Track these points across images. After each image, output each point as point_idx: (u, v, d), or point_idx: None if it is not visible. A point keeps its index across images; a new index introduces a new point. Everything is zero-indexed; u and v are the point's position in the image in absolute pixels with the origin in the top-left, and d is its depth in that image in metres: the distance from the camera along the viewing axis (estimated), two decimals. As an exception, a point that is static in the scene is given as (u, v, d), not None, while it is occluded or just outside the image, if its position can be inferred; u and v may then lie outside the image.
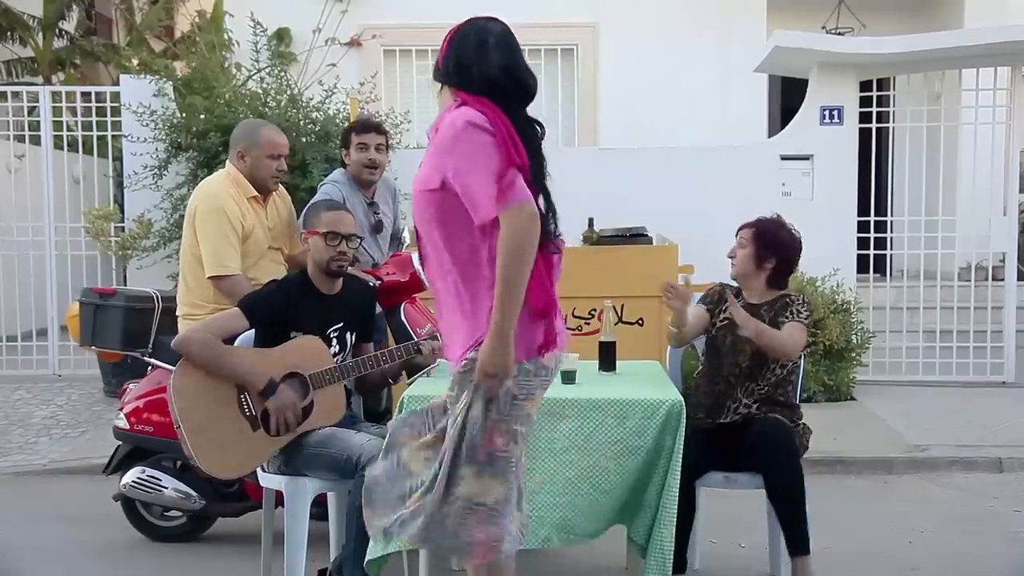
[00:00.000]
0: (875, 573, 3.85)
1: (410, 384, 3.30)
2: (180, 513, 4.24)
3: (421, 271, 3.87)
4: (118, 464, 4.24)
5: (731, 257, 3.74)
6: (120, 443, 4.24)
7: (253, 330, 3.46)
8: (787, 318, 3.59)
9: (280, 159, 4.10)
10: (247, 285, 3.80)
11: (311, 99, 7.17)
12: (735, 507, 4.19)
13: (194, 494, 4.06)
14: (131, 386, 4.31)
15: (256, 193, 4.07)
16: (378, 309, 3.90)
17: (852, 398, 6.62)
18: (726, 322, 3.67)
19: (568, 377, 3.26)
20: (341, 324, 3.54)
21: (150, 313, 5.06)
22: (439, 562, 3.25)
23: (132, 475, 4.11)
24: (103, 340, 5.06)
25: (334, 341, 3.51)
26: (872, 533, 4.38)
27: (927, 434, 5.78)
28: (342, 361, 3.49)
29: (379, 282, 3.93)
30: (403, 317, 3.93)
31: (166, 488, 4.06)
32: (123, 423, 4.16)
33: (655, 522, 2.96)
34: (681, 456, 3.01)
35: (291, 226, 4.25)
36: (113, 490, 4.21)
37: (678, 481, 3.00)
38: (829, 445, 5.43)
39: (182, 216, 6.82)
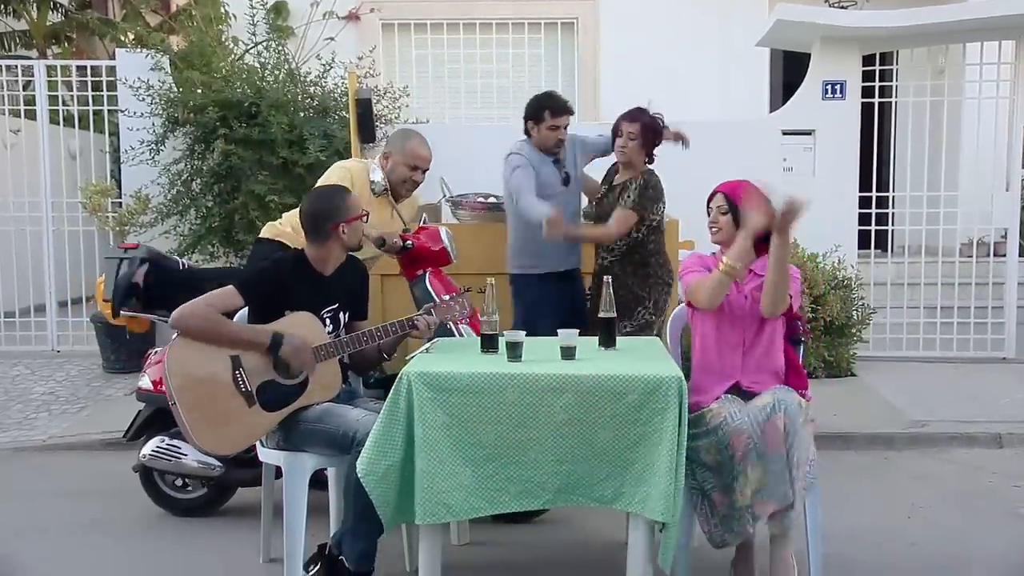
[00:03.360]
0: (874, 548, 3.86)
1: (409, 360, 3.28)
2: (200, 484, 4.25)
3: (450, 245, 4.13)
4: (139, 429, 4.24)
5: (623, 148, 4.50)
6: (142, 407, 4.26)
7: (246, 310, 3.45)
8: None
9: (417, 171, 4.34)
10: None
11: (309, 74, 7.12)
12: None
13: (214, 462, 4.07)
14: (155, 351, 4.35)
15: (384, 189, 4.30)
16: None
17: (852, 374, 6.61)
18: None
19: (567, 353, 3.24)
20: (336, 305, 3.53)
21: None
22: (439, 538, 3.25)
23: (152, 444, 4.13)
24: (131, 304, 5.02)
25: (328, 321, 3.49)
26: (871, 508, 4.38)
27: (927, 410, 5.78)
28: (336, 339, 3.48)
29: (411, 245, 4.06)
30: (428, 285, 4.06)
31: (186, 456, 4.08)
32: (146, 384, 4.19)
33: (675, 499, 2.95)
34: (685, 432, 3.00)
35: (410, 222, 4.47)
36: (114, 465, 4.22)
37: (684, 457, 2.99)
38: (829, 421, 5.43)
39: (179, 192, 6.84)
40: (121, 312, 4.87)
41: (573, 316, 4.48)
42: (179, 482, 4.29)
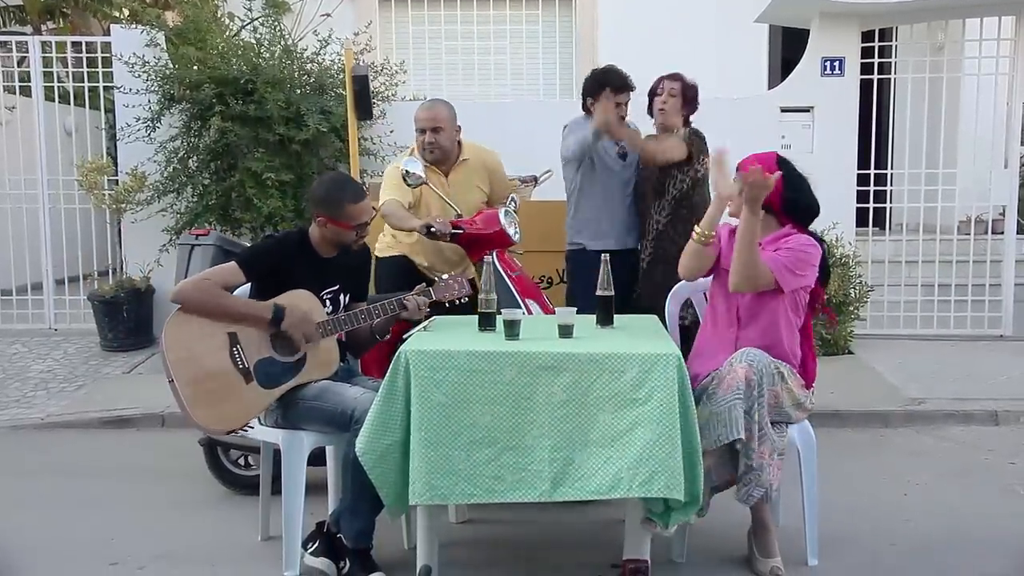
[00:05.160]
0: (869, 525, 3.87)
1: (406, 339, 3.27)
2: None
3: (507, 227, 4.17)
4: None
5: (663, 106, 4.59)
6: None
7: (248, 287, 3.45)
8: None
9: (425, 133, 4.43)
10: (397, 207, 4.25)
11: (305, 50, 7.07)
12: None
13: None
14: None
15: (427, 163, 4.38)
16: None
17: (850, 352, 6.62)
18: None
19: (565, 331, 3.24)
20: (336, 287, 3.53)
21: None
22: (437, 516, 3.26)
23: None
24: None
25: (327, 302, 3.49)
26: (867, 486, 4.40)
27: (924, 387, 5.79)
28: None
29: (461, 232, 4.11)
30: (497, 265, 4.05)
31: (252, 429, 4.01)
32: None
33: (689, 480, 2.96)
34: (693, 410, 3.00)
35: (492, 185, 4.61)
36: (112, 444, 4.21)
37: (698, 435, 2.99)
38: (826, 398, 5.43)
39: (176, 169, 6.82)
40: None
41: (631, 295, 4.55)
42: (242, 459, 4.26)
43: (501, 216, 4.19)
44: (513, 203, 4.56)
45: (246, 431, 3.91)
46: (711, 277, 3.57)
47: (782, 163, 3.45)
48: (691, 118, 4.70)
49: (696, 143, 4.54)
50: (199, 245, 4.97)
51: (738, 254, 3.27)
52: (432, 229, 4.07)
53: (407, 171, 4.16)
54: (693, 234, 3.42)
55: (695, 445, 2.98)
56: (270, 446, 3.68)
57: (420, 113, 4.49)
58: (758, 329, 3.40)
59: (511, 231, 4.20)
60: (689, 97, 4.61)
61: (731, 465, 3.20)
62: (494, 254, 4.08)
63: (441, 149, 4.44)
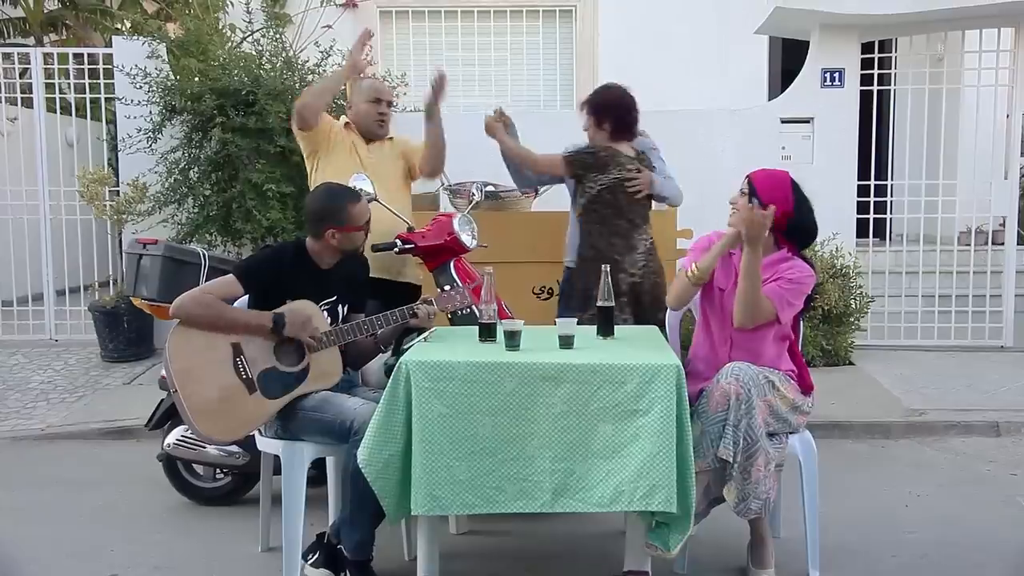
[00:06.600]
0: (871, 536, 3.87)
1: (406, 349, 3.27)
2: (224, 473, 4.23)
3: (461, 234, 4.12)
4: (161, 418, 4.22)
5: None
6: (164, 396, 4.21)
7: (246, 299, 3.45)
8: None
9: (381, 103, 4.43)
10: None
11: (307, 61, 7.09)
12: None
13: (238, 451, 4.05)
14: None
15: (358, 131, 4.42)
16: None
17: (851, 363, 6.61)
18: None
19: (566, 342, 3.24)
20: (334, 298, 3.53)
21: (194, 268, 5.00)
22: (438, 527, 3.25)
23: (176, 434, 4.11)
24: (143, 290, 5.02)
25: (326, 313, 3.49)
26: (869, 497, 4.39)
27: (925, 398, 5.79)
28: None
29: (413, 246, 4.07)
30: (453, 273, 4.07)
31: (209, 446, 4.05)
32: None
33: (680, 494, 2.94)
34: (689, 423, 2.99)
35: (407, 155, 4.55)
36: (113, 454, 4.21)
37: (691, 448, 2.98)
38: (827, 410, 5.43)
39: (177, 180, 6.82)
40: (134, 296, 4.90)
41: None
42: (203, 471, 4.27)
43: (455, 223, 4.14)
44: (479, 191, 4.56)
45: (202, 447, 4.03)
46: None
47: (795, 187, 3.43)
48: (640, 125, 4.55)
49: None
50: (147, 255, 4.92)
51: (742, 293, 3.29)
52: (376, 247, 4.01)
53: (358, 188, 3.86)
54: (688, 272, 3.41)
55: (688, 457, 2.97)
56: (269, 457, 3.68)
57: (377, 84, 4.53)
58: (750, 352, 3.39)
59: (465, 237, 4.14)
60: (595, 111, 4.44)
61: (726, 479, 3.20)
62: (451, 262, 4.09)
63: (388, 125, 4.49)
